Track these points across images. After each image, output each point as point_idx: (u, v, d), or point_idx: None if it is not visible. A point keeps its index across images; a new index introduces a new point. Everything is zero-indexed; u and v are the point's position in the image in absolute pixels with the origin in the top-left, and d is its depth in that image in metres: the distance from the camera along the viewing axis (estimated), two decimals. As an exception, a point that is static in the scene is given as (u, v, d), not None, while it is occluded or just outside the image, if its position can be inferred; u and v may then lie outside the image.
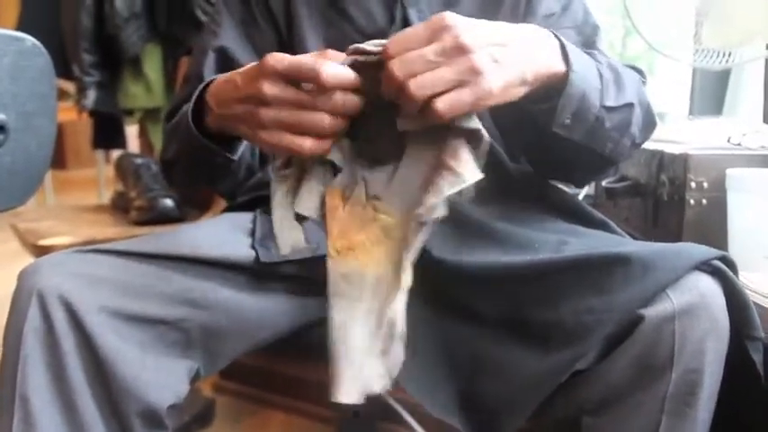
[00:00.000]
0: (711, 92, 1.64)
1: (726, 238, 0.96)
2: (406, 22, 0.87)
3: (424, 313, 0.72)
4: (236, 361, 0.79)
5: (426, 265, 0.71)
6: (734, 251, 0.95)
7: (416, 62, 0.53)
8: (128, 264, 0.70)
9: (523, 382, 0.64)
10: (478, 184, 0.54)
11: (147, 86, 1.78)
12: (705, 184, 0.99)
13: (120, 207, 1.53)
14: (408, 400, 1.35)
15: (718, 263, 0.61)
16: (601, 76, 0.69)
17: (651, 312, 0.58)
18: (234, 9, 0.90)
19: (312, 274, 0.78)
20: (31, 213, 1.53)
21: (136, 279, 0.69)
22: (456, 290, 0.71)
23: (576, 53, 0.65)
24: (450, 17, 0.56)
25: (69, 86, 1.95)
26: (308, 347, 0.84)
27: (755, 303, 0.70)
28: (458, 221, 0.74)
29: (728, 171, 0.94)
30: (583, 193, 1.34)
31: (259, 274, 0.76)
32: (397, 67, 0.54)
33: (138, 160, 1.51)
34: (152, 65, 1.78)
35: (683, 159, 1.01)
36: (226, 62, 0.86)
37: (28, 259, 1.30)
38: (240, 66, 0.78)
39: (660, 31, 1.58)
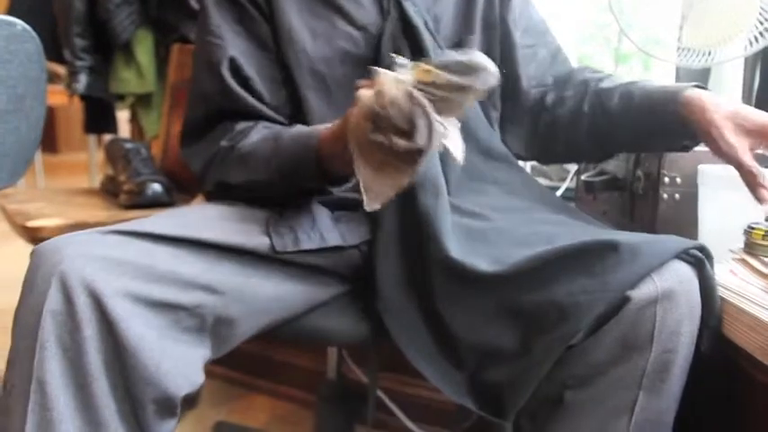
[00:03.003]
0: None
1: (696, 232, 0.99)
2: (403, 16, 0.88)
3: (433, 307, 0.75)
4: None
5: (436, 265, 0.74)
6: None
7: None
8: (150, 246, 0.70)
9: (525, 364, 0.68)
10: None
11: (138, 72, 1.79)
12: (678, 180, 1.02)
13: (109, 191, 1.54)
14: (389, 387, 1.39)
15: (697, 253, 0.65)
16: None
17: (637, 294, 0.63)
18: (226, 12, 0.89)
19: (320, 262, 0.82)
20: (21, 195, 1.54)
21: (159, 263, 0.69)
22: (461, 287, 0.74)
23: None
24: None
25: (62, 70, 1.96)
26: (295, 334, 0.86)
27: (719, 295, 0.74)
28: (463, 226, 0.79)
29: (700, 167, 0.97)
30: (564, 186, 1.37)
31: (270, 261, 0.78)
32: None
33: (128, 145, 1.52)
34: (144, 50, 1.79)
35: (658, 155, 1.04)
36: (238, 73, 0.87)
37: (16, 241, 1.32)
38: (251, 76, 0.85)
39: (646, 31, 1.61)
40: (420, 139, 0.60)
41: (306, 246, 0.80)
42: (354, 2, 0.90)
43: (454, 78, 0.59)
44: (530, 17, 1.00)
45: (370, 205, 0.64)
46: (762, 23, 1.23)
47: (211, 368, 1.76)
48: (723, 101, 0.74)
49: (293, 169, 0.80)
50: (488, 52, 0.94)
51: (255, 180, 0.82)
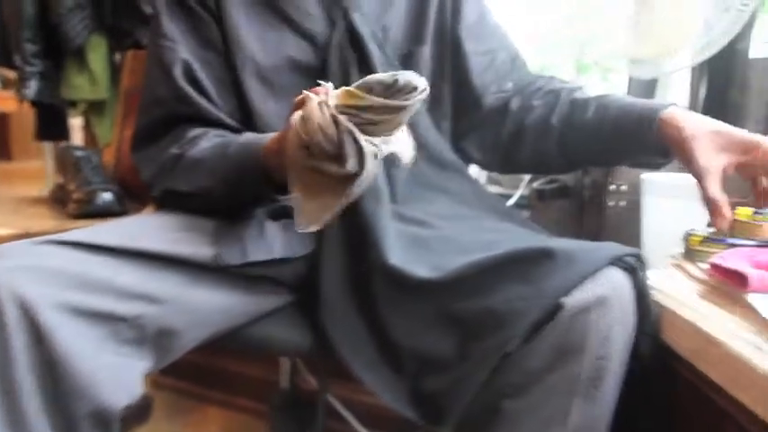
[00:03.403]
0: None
1: (640, 239, 1.01)
2: (350, 26, 0.88)
3: (376, 315, 0.75)
4: (175, 357, 0.79)
5: (377, 272, 0.74)
6: (646, 251, 1.00)
7: None
8: (87, 256, 0.69)
9: (462, 372, 0.68)
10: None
11: (91, 78, 1.75)
12: (623, 188, 1.05)
13: (59, 200, 1.51)
14: (343, 394, 1.38)
15: (631, 260, 0.66)
16: None
17: (570, 301, 0.63)
18: (178, 16, 0.89)
19: (266, 272, 0.81)
20: (-34, 204, 1.50)
21: (95, 273, 0.67)
22: (401, 294, 0.74)
23: None
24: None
25: (13, 76, 1.91)
26: (241, 344, 0.85)
27: (655, 300, 0.75)
28: (407, 233, 0.79)
29: (643, 176, 0.99)
30: (518, 194, 1.39)
31: (214, 272, 0.77)
32: None
33: (79, 152, 1.49)
34: (97, 57, 1.75)
35: (604, 164, 1.06)
36: (192, 76, 0.86)
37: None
38: (203, 80, 0.85)
39: (602, 42, 1.64)
40: (350, 165, 0.60)
41: (253, 257, 0.79)
42: (303, 11, 0.90)
43: (378, 100, 0.59)
44: (485, 24, 0.99)
45: (303, 227, 0.64)
46: (706, 35, 1.26)
47: (164, 380, 1.74)
48: (702, 120, 0.74)
49: (239, 178, 0.79)
50: (438, 63, 0.95)
51: (203, 187, 0.81)
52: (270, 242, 0.81)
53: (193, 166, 0.82)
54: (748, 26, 1.35)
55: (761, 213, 0.68)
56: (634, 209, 1.01)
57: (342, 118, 0.60)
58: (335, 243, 0.81)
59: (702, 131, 0.73)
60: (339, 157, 0.60)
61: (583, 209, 1.13)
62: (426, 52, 0.95)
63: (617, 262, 0.66)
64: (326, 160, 0.61)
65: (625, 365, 0.66)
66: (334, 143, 0.60)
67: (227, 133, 0.87)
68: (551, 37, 1.43)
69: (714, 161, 0.71)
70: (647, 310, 0.67)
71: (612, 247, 0.67)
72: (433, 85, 0.96)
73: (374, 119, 0.60)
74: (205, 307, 0.77)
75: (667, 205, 0.95)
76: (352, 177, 0.61)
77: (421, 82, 0.60)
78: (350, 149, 0.60)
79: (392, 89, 0.59)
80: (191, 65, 0.87)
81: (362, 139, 0.60)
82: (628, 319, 0.65)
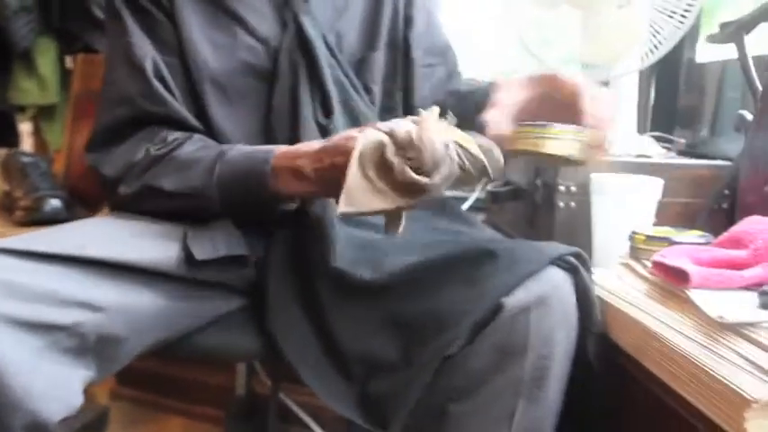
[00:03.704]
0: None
1: (591, 239, 1.02)
2: (300, 30, 0.88)
3: (323, 319, 0.75)
4: (131, 366, 0.77)
5: (323, 276, 0.74)
6: (597, 251, 1.02)
7: None
8: (20, 264, 0.67)
9: (406, 376, 0.67)
10: None
11: (40, 82, 1.71)
12: (573, 189, 1.06)
13: (5, 207, 1.46)
14: (301, 399, 1.37)
15: (572, 259, 0.67)
16: None
17: (511, 301, 0.63)
18: (135, 15, 0.87)
19: (217, 277, 0.80)
20: None
21: (32, 281, 0.65)
22: (347, 297, 0.74)
23: None
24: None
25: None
26: (190, 351, 0.84)
27: (601, 299, 0.76)
28: (356, 237, 0.79)
29: (592, 176, 1.00)
30: (474, 196, 1.40)
31: (160, 277, 0.75)
32: None
33: (26, 158, 1.45)
34: (46, 61, 1.71)
35: (555, 167, 1.07)
36: (160, 75, 0.85)
37: None
38: (170, 81, 0.84)
39: (567, 46, 1.67)
40: (434, 180, 0.64)
41: (225, 252, 0.78)
42: (256, 13, 0.89)
43: (479, 156, 0.67)
44: (433, 36, 1.01)
45: (343, 209, 0.65)
46: (653, 39, 1.29)
47: (121, 390, 1.70)
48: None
49: (237, 180, 0.77)
50: (391, 69, 0.96)
51: (194, 187, 0.79)
52: (237, 239, 0.80)
53: (183, 165, 0.80)
54: (694, 31, 1.39)
55: (542, 126, 0.71)
56: (585, 209, 1.03)
57: (453, 146, 0.65)
58: (283, 247, 0.80)
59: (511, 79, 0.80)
60: (422, 171, 0.64)
61: (535, 210, 1.15)
62: (380, 58, 0.96)
63: (558, 261, 0.66)
64: (410, 166, 0.64)
65: (569, 364, 0.67)
66: (434, 158, 0.64)
67: (207, 139, 0.86)
68: (508, 42, 1.45)
69: (506, 97, 0.77)
70: (590, 309, 0.67)
71: (554, 247, 0.68)
72: (386, 92, 0.97)
73: (466, 167, 0.67)
74: (149, 313, 0.75)
75: (616, 205, 0.97)
76: (420, 191, 0.64)
77: (496, 174, 0.68)
78: (443, 171, 0.64)
79: (490, 157, 0.68)
80: (158, 64, 0.86)
81: (456, 170, 0.65)
82: (570, 319, 0.66)
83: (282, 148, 0.78)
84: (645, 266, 0.77)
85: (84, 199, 1.45)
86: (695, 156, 1.24)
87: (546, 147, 0.69)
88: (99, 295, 0.70)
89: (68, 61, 1.75)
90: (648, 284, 0.73)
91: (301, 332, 0.76)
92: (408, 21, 0.97)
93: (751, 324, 0.56)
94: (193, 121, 0.87)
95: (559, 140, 0.68)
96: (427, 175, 0.64)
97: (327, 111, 0.86)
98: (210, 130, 0.88)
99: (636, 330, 0.67)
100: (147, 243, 0.78)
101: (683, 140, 1.22)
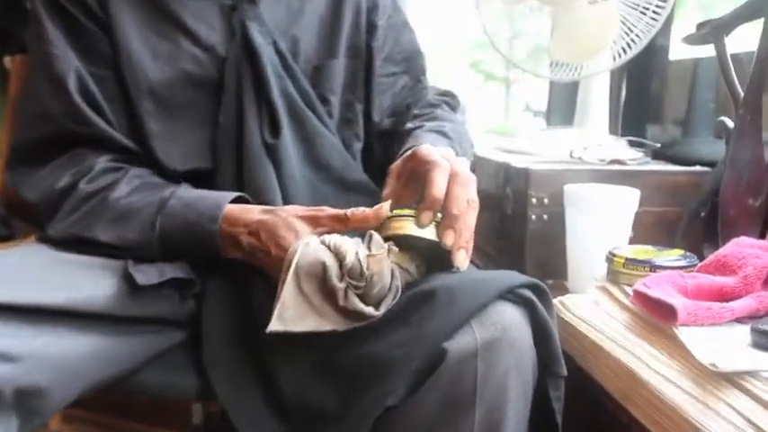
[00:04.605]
0: (564, 103, 1.69)
1: (565, 253, 0.96)
2: (245, 37, 0.80)
3: (263, 361, 0.68)
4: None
5: (259, 315, 0.67)
6: (572, 269, 0.96)
7: None
8: None
9: (344, 427, 0.60)
10: None
11: (-25, 85, 1.59)
12: (545, 200, 1.00)
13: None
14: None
15: (526, 292, 0.59)
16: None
17: (454, 346, 0.56)
18: (59, 22, 0.78)
19: (155, 311, 0.73)
20: None
21: None
22: (288, 339, 0.67)
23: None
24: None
25: None
26: (134, 391, 0.77)
27: (574, 328, 0.70)
28: None
29: (566, 187, 0.94)
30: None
31: (87, 318, 0.67)
32: None
33: (-43, 170, 1.34)
34: (-22, 62, 1.59)
35: (525, 174, 1.00)
36: (85, 91, 0.77)
37: None
38: (98, 96, 0.77)
39: (535, 39, 1.61)
40: (380, 311, 0.58)
41: (171, 274, 0.71)
42: (201, 20, 0.81)
43: (415, 275, 0.63)
44: (396, 43, 0.93)
45: (275, 327, 0.59)
46: (625, 37, 1.23)
47: (73, 413, 1.60)
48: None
49: (182, 238, 0.71)
50: (351, 79, 0.88)
51: (133, 241, 0.72)
52: (183, 263, 0.74)
53: (119, 215, 0.73)
54: (667, 28, 1.34)
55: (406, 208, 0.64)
56: (558, 222, 0.97)
57: (398, 273, 0.60)
58: (222, 275, 0.73)
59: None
60: (368, 300, 0.59)
61: (505, 222, 1.08)
62: (339, 66, 0.88)
63: (509, 296, 0.59)
64: (356, 294, 0.58)
65: (527, 414, 0.60)
66: (382, 291, 0.59)
67: (144, 173, 0.78)
68: (481, 33, 1.39)
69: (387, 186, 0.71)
70: (551, 350, 0.60)
71: (506, 278, 0.60)
72: (344, 104, 0.89)
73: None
74: (78, 358, 0.67)
75: (590, 218, 0.91)
76: (362, 318, 0.59)
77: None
78: (388, 300, 0.59)
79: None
80: (84, 77, 0.77)
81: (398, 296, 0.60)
82: (524, 364, 0.58)
83: (228, 210, 0.70)
84: (625, 293, 0.71)
85: (23, 212, 1.34)
86: (668, 158, 1.18)
87: (391, 230, 0.62)
88: (15, 345, 0.62)
89: (7, 62, 1.64)
90: (629, 315, 0.67)
91: (238, 372, 0.69)
92: (372, 26, 0.89)
93: (747, 373, 0.50)
94: (125, 142, 0.79)
95: (400, 221, 0.62)
96: (373, 303, 0.59)
97: (275, 128, 0.78)
98: (148, 150, 0.79)
99: (619, 372, 0.61)
100: (80, 278, 0.70)
101: (657, 145, 1.16)
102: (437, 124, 0.84)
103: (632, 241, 0.94)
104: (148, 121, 0.80)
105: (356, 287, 0.58)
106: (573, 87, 1.55)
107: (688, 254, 0.74)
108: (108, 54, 0.79)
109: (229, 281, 0.74)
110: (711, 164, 1.09)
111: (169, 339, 0.76)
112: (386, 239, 0.60)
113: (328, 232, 0.64)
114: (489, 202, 1.16)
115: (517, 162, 1.06)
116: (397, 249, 0.60)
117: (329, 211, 0.66)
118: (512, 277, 0.60)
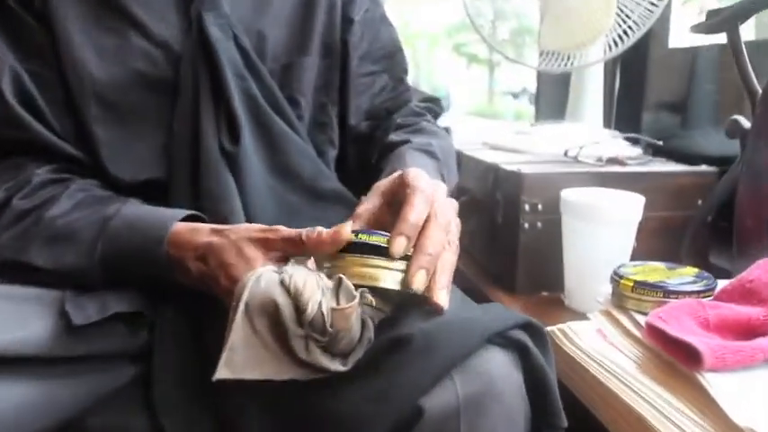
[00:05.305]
0: (555, 96, 1.60)
1: (562, 265, 0.88)
2: (201, 30, 0.71)
3: (221, 403, 0.61)
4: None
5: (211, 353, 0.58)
6: (569, 282, 0.87)
7: None
8: None
9: None
10: None
11: None
12: (539, 206, 0.91)
13: None
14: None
15: (517, 334, 0.51)
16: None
17: (432, 404, 0.47)
18: None
19: (101, 348, 0.64)
20: None
21: None
22: (236, 386, 0.59)
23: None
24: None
25: None
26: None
27: (576, 362, 0.62)
28: None
29: (563, 193, 0.85)
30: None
31: (18, 361, 0.59)
32: None
33: None
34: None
35: (517, 178, 0.91)
36: (22, 91, 0.68)
37: None
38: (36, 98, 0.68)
39: (520, 20, 1.52)
40: (348, 366, 0.49)
41: (114, 308, 0.62)
42: (153, 11, 0.71)
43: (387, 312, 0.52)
44: (375, 39, 0.83)
45: (224, 373, 0.49)
46: (620, 25, 1.14)
47: None
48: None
49: (126, 263, 0.62)
50: (324, 79, 0.79)
51: (73, 266, 0.63)
52: (131, 294, 0.64)
53: (57, 237, 0.64)
54: (665, 14, 1.25)
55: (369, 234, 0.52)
56: (553, 230, 0.88)
57: (370, 324, 0.50)
58: (175, 307, 0.64)
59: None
60: (333, 349, 0.49)
61: (496, 230, 0.99)
62: (311, 65, 0.78)
63: (498, 339, 0.50)
64: (320, 348, 0.49)
65: None
66: (350, 344, 0.49)
67: (89, 185, 0.69)
68: (463, 15, 1.30)
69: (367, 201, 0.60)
70: (548, 401, 0.51)
71: (493, 318, 0.51)
72: (317, 106, 0.79)
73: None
74: (9, 410, 0.58)
75: (591, 228, 0.82)
76: (324, 370, 0.49)
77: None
78: (358, 353, 0.50)
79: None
80: (20, 76, 0.68)
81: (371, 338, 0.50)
82: (516, 419, 0.50)
83: (175, 230, 0.61)
84: (634, 321, 0.62)
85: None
86: (667, 154, 1.10)
87: (360, 278, 0.51)
88: None
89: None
90: (642, 350, 0.58)
91: (194, 418, 0.60)
92: (347, 23, 0.79)
93: (793, 437, 0.42)
94: (70, 150, 0.70)
95: (371, 267, 0.50)
96: (339, 355, 0.49)
97: (235, 134, 0.69)
98: (95, 160, 0.70)
99: (631, 421, 0.52)
100: (10, 316, 0.60)
101: (659, 142, 1.07)
102: (424, 142, 0.74)
103: (635, 250, 0.85)
104: (95, 127, 0.70)
105: (318, 340, 0.48)
106: (564, 75, 1.46)
107: (704, 274, 0.66)
108: (49, 50, 0.69)
109: (184, 308, 0.64)
110: (715, 161, 1.01)
111: (120, 377, 0.67)
112: (357, 287, 0.50)
113: (284, 257, 0.55)
114: (478, 208, 1.07)
115: (508, 164, 0.97)
116: (371, 298, 0.50)
117: (283, 231, 0.55)
118: (500, 316, 0.51)
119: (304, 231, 0.53)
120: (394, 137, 0.76)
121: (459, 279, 0.62)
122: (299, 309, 0.48)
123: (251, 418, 0.59)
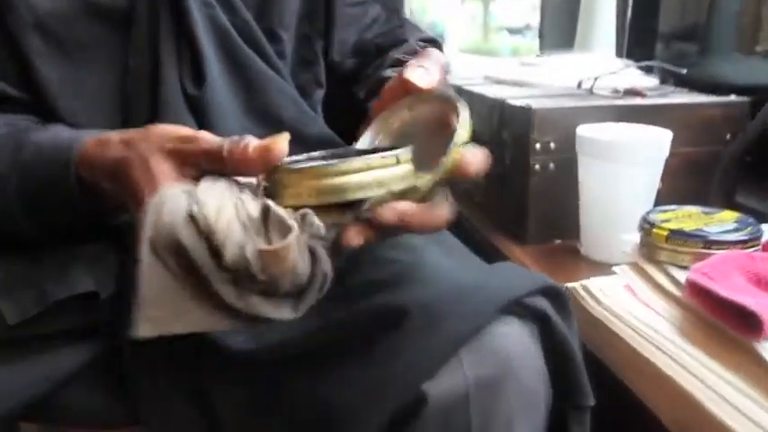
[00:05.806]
0: (562, 24, 1.48)
1: (578, 210, 0.80)
2: None
3: (201, 387, 0.56)
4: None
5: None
6: (586, 229, 0.79)
7: None
8: None
9: None
10: None
11: None
12: (552, 145, 0.82)
13: None
14: None
15: (538, 302, 0.43)
16: None
17: (437, 389, 0.41)
18: None
19: (61, 324, 0.56)
20: None
21: None
22: (229, 369, 0.54)
23: None
24: None
25: None
26: (44, 419, 0.63)
27: (603, 325, 0.54)
28: None
29: (578, 130, 0.76)
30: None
31: None
32: None
33: None
34: None
35: (525, 114, 0.82)
36: None
37: None
38: None
39: None
40: (298, 313, 0.38)
41: (56, 295, 0.54)
42: None
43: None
44: None
45: (145, 330, 0.39)
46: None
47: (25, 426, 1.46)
48: None
49: (43, 199, 0.53)
50: (308, 8, 0.69)
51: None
52: (75, 276, 0.56)
53: None
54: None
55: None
56: (568, 172, 0.79)
57: (325, 258, 0.38)
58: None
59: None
60: (277, 294, 0.38)
61: (504, 173, 0.91)
62: None
63: (514, 308, 0.43)
64: (257, 293, 0.38)
65: None
66: (297, 285, 0.38)
67: (16, 119, 0.60)
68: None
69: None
70: (574, 375, 0.44)
71: (506, 281, 0.44)
72: (300, 40, 0.70)
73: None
74: None
75: (611, 169, 0.73)
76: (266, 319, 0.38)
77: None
78: (311, 296, 0.38)
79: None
80: None
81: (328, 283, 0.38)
82: (535, 402, 0.43)
83: (83, 148, 0.50)
84: (670, 277, 0.54)
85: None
86: (688, 83, 1.00)
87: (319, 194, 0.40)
88: None
89: None
90: (682, 312, 0.51)
91: (171, 398, 0.55)
92: None
93: None
94: (8, 90, 0.60)
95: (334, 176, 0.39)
96: (285, 297, 0.38)
97: (200, 75, 0.59)
98: (45, 100, 0.61)
99: (673, 396, 0.45)
100: None
101: (683, 70, 0.97)
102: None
103: (660, 193, 0.77)
104: (40, 65, 0.60)
105: (249, 286, 0.38)
106: (570, 4, 1.35)
107: (747, 219, 0.58)
108: None
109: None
110: (741, 90, 0.92)
111: (76, 357, 0.60)
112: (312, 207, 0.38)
113: (201, 175, 0.43)
114: (484, 148, 0.98)
115: (515, 99, 0.87)
116: (318, 223, 0.38)
117: (204, 142, 0.43)
118: (514, 279, 0.44)
119: (227, 142, 0.41)
120: (391, 72, 0.67)
121: (463, 229, 0.54)
122: (214, 250, 0.37)
123: (231, 404, 0.53)
